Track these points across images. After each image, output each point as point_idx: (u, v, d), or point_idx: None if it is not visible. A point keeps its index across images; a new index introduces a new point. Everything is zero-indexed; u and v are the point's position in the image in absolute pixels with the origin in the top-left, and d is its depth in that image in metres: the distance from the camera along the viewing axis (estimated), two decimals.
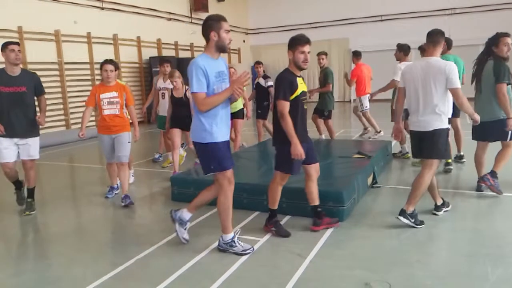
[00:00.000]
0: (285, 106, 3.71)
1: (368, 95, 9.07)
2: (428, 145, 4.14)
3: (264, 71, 8.54)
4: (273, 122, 3.94)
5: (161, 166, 7.37)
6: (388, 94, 7.62)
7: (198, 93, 3.38)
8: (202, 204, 3.86)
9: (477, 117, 4.22)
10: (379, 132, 9.05)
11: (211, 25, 3.44)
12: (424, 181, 4.13)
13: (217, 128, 3.47)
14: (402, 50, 7.20)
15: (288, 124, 3.68)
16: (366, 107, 9.18)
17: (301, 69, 3.85)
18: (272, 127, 3.83)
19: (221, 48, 3.49)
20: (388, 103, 7.61)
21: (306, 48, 3.76)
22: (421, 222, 4.14)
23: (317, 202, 4.06)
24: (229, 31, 3.49)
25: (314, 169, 4.03)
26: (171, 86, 6.64)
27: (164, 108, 7.07)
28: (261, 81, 8.31)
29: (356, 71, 9.19)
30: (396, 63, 7.25)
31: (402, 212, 4.14)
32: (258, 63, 8.61)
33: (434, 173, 4.21)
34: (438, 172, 5.17)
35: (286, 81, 3.77)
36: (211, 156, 3.50)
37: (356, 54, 9.33)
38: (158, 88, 7.34)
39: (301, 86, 3.85)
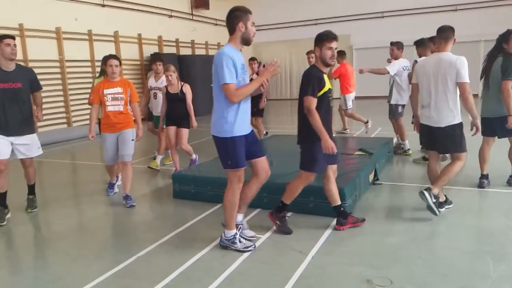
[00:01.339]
0: (313, 102, 3.67)
1: (352, 93, 9.25)
2: (444, 141, 4.22)
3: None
4: (298, 120, 3.90)
5: (162, 164, 7.36)
6: (385, 91, 7.62)
7: (230, 84, 3.33)
8: (247, 201, 3.77)
9: (479, 124, 4.23)
10: (366, 122, 9.13)
11: (239, 16, 3.41)
12: (455, 168, 4.25)
13: (239, 121, 3.45)
14: (401, 48, 7.29)
15: (317, 119, 3.64)
16: (350, 106, 9.31)
17: (328, 65, 3.82)
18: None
19: (246, 40, 3.48)
20: (385, 100, 7.63)
21: (334, 44, 3.73)
22: (439, 211, 4.21)
23: (339, 202, 4.03)
24: (253, 23, 3.48)
25: (332, 170, 4.01)
26: (163, 85, 6.56)
27: (157, 108, 6.92)
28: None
29: (340, 69, 9.32)
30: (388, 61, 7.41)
31: (428, 189, 4.21)
32: (252, 59, 8.58)
33: (464, 163, 4.30)
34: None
35: (315, 77, 3.73)
36: (229, 152, 3.47)
37: (341, 54, 9.46)
38: (150, 87, 7.10)
39: (327, 83, 3.82)
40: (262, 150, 3.72)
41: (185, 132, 6.26)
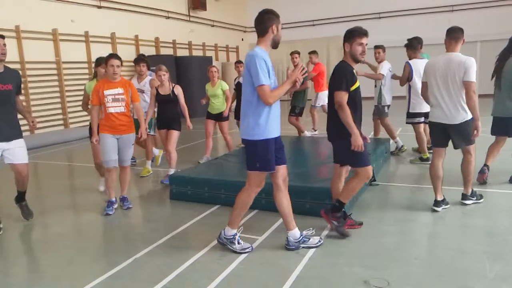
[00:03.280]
0: (345, 97, 3.63)
1: (325, 91, 9.52)
2: (460, 137, 4.35)
3: None
4: (329, 117, 3.86)
5: (155, 165, 7.27)
6: (371, 92, 7.67)
7: (265, 85, 3.30)
8: (288, 215, 3.65)
9: (479, 126, 4.27)
10: (315, 130, 9.81)
11: (272, 19, 3.42)
12: (471, 165, 4.45)
13: (270, 123, 3.43)
14: (385, 51, 7.43)
15: (348, 114, 3.60)
16: (318, 104, 9.74)
17: (357, 61, 3.78)
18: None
19: (276, 43, 3.49)
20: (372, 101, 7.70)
21: (364, 40, 3.70)
22: (481, 196, 4.65)
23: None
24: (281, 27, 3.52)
25: (345, 170, 4.00)
26: (146, 88, 6.45)
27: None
28: (242, 80, 8.28)
29: (318, 67, 9.64)
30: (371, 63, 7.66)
31: (464, 196, 4.59)
32: (238, 62, 8.62)
33: (474, 155, 4.48)
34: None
35: (348, 72, 3.69)
36: (260, 155, 3.43)
37: (315, 53, 9.72)
38: None
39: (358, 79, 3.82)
40: (285, 157, 3.66)
41: (175, 134, 6.12)
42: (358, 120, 3.75)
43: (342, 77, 3.67)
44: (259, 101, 3.37)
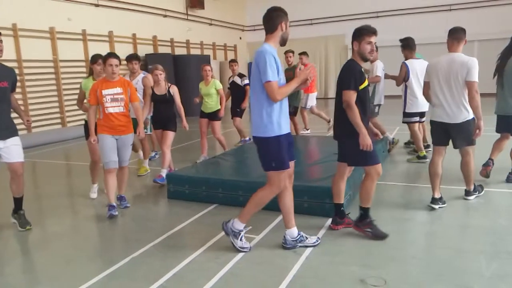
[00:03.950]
0: (353, 96, 3.60)
1: (314, 93, 9.81)
2: (460, 136, 4.38)
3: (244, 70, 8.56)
4: (335, 115, 3.83)
5: (137, 175, 7.02)
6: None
7: (273, 82, 3.28)
8: (289, 213, 3.63)
9: (482, 125, 4.28)
10: (307, 129, 9.91)
11: (281, 16, 3.44)
12: (470, 164, 4.53)
13: (282, 119, 3.42)
14: (377, 50, 7.39)
15: (356, 114, 3.58)
16: (309, 106, 9.77)
17: (366, 60, 3.75)
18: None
19: (284, 40, 3.50)
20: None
21: (373, 39, 3.67)
22: (482, 188, 4.86)
23: (342, 201, 4.01)
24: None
25: (349, 169, 3.99)
26: (138, 86, 6.35)
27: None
28: (237, 79, 8.26)
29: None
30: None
31: (467, 193, 4.73)
32: (233, 61, 8.62)
33: (473, 155, 4.53)
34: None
35: (357, 70, 3.67)
36: (274, 152, 3.40)
37: (306, 54, 9.75)
38: None
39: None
40: (293, 153, 3.64)
41: (171, 134, 6.09)
42: (366, 119, 3.73)
43: (350, 76, 3.65)
44: (269, 98, 3.35)
